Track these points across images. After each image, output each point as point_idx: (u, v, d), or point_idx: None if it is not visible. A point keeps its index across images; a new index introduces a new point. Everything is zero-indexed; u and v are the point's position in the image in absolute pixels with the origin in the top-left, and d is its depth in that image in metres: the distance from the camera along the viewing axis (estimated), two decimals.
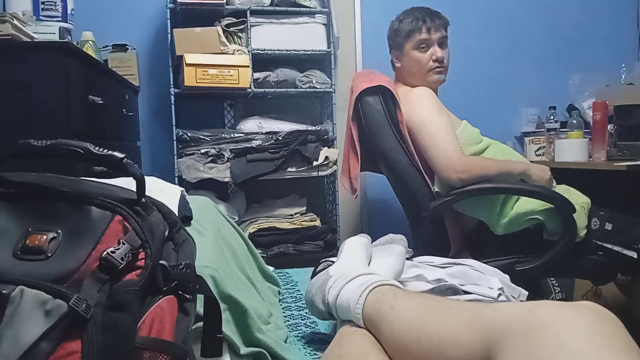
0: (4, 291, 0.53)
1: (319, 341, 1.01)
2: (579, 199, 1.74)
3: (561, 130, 2.72)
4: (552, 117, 2.88)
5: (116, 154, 0.65)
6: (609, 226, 1.70)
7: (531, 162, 2.01)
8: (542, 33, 3.17)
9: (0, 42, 1.58)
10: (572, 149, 2.45)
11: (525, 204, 1.71)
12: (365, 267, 0.97)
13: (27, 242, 0.60)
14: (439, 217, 1.77)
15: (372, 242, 1.12)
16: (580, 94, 2.94)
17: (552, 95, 3.04)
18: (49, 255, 0.59)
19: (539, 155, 2.85)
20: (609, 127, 2.35)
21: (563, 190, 1.77)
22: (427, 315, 0.70)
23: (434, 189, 1.77)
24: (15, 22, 1.63)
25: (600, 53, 3.18)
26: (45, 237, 0.60)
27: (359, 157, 1.88)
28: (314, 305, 0.95)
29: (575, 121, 2.51)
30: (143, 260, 0.61)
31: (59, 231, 0.61)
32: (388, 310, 0.76)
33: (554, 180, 1.79)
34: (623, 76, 2.81)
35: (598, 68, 3.02)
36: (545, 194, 1.69)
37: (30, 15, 1.90)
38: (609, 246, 1.71)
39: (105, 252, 0.58)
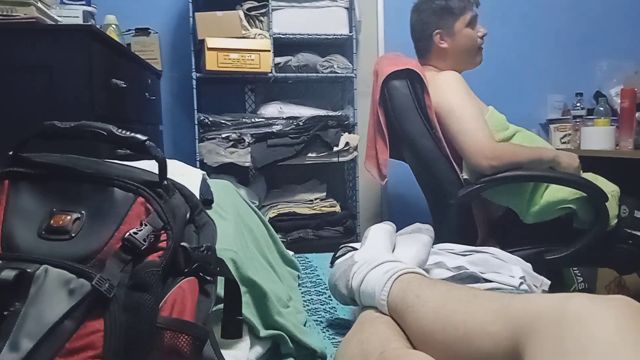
0: (28, 270, 0.54)
1: (338, 326, 1.02)
2: (607, 188, 1.70)
3: (587, 117, 2.67)
4: (578, 104, 2.82)
5: (139, 136, 0.66)
6: (638, 214, 1.67)
7: (557, 149, 1.97)
8: (568, 17, 3.09)
9: (24, 24, 1.60)
10: (598, 137, 2.40)
11: (555, 192, 1.67)
12: (390, 255, 0.97)
13: (52, 222, 0.61)
14: (466, 204, 1.73)
15: (396, 230, 1.11)
16: (607, 80, 2.87)
17: (579, 81, 2.97)
18: (73, 235, 0.60)
19: (565, 142, 2.80)
20: (637, 114, 2.29)
21: (590, 178, 1.73)
22: (453, 304, 0.69)
23: (462, 175, 1.72)
24: (40, 5, 1.65)
25: (628, 38, 3.09)
26: (69, 217, 0.61)
27: (387, 143, 1.84)
28: (336, 289, 0.95)
29: (602, 108, 2.46)
30: (165, 242, 0.61)
31: (83, 212, 0.62)
32: (413, 299, 0.75)
33: (580, 169, 1.76)
34: None
35: (626, 54, 2.95)
36: (579, 182, 1.65)
37: None
38: (639, 233, 1.68)
39: (128, 233, 0.58)
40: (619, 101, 2.36)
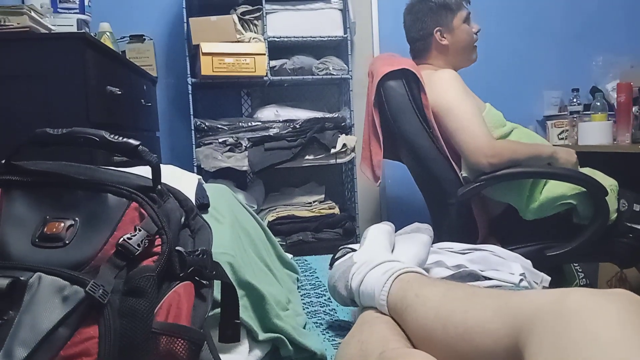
0: (22, 278, 0.54)
1: (338, 327, 1.01)
2: (606, 182, 1.70)
3: (584, 113, 2.66)
4: (575, 100, 2.82)
5: (131, 141, 0.65)
6: (637, 207, 1.67)
7: (554, 146, 1.97)
8: (564, 13, 3.09)
9: (18, 34, 1.60)
10: (595, 132, 2.40)
11: (554, 188, 1.67)
12: (389, 254, 0.96)
13: (45, 229, 0.61)
14: (466, 203, 1.73)
15: (396, 230, 1.11)
16: (604, 75, 2.87)
17: (575, 77, 2.97)
18: (67, 242, 0.60)
19: (562, 139, 2.79)
20: (633, 109, 2.29)
21: (588, 173, 1.73)
22: (453, 303, 0.69)
23: (461, 174, 1.72)
24: (33, 14, 1.64)
25: (624, 33, 3.10)
26: (62, 224, 0.61)
27: (381, 144, 1.83)
28: (336, 291, 0.95)
29: (599, 103, 2.45)
30: (159, 247, 0.61)
31: (77, 218, 0.62)
32: (413, 298, 0.75)
33: (578, 164, 1.76)
34: None
35: (622, 49, 2.95)
36: (578, 177, 1.65)
37: (48, 8, 1.91)
38: (638, 227, 1.68)
39: (122, 239, 0.58)
40: (616, 96, 2.36)
